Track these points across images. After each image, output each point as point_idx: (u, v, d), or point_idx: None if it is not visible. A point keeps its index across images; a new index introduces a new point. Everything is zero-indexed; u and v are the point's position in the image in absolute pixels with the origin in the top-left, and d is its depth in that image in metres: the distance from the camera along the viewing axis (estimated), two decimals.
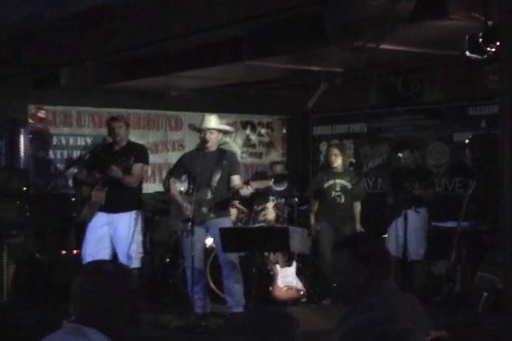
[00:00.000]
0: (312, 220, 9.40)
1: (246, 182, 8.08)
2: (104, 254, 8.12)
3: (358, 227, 9.21)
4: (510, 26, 4.33)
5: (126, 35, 7.92)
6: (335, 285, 3.63)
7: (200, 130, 8.08)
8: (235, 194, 7.89)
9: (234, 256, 8.01)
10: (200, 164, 7.88)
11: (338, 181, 9.29)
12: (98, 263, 3.18)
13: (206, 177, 7.98)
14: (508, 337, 3.66)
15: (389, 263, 3.65)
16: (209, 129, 8.00)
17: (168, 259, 9.80)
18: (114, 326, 2.82)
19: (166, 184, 8.38)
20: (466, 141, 9.39)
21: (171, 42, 8.17)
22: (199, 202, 7.88)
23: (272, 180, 8.21)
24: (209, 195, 7.95)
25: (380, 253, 3.65)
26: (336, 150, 9.38)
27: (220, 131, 8.16)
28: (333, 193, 9.29)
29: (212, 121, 8.06)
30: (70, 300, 2.87)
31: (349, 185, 9.25)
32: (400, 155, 9.25)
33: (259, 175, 11.47)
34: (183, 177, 8.41)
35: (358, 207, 9.33)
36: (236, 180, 8.06)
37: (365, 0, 5.32)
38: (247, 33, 7.85)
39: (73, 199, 8.72)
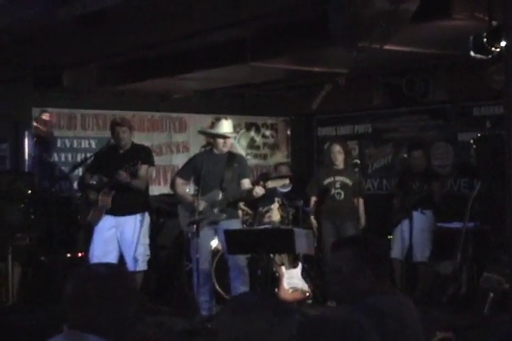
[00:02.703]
0: (312, 219, 9.41)
1: (256, 183, 8.08)
2: (112, 257, 8.13)
3: (363, 223, 9.21)
4: None
5: (129, 36, 7.92)
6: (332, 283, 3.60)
7: (216, 135, 8.07)
8: (248, 194, 7.89)
9: (242, 259, 8.00)
10: (210, 166, 7.89)
11: (337, 178, 9.29)
12: (89, 268, 3.12)
13: (217, 178, 7.98)
14: None
15: (388, 264, 3.67)
16: (224, 134, 8.01)
17: (173, 261, 9.79)
18: (111, 330, 2.76)
19: (173, 184, 8.34)
20: (471, 141, 9.38)
21: (175, 43, 8.17)
22: (211, 203, 7.88)
23: (288, 180, 8.18)
24: (220, 196, 7.95)
25: (382, 256, 3.65)
26: (338, 147, 9.37)
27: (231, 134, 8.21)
28: (333, 190, 9.30)
29: (225, 126, 8.06)
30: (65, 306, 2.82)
31: (349, 182, 9.23)
32: (413, 154, 9.27)
33: (263, 176, 11.45)
34: (191, 179, 8.39)
35: (361, 203, 9.33)
36: (246, 183, 8.07)
37: (369, 0, 5.31)
38: (251, 34, 7.85)
39: (78, 202, 8.72)
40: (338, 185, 9.29)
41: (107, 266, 3.08)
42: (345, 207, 9.20)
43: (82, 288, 2.78)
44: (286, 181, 8.10)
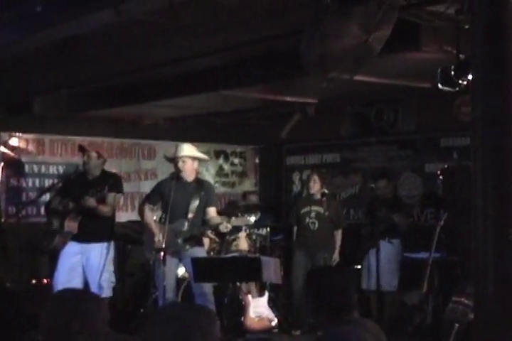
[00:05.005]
0: None
1: (222, 213, 8.07)
2: (76, 283, 8.06)
3: (335, 257, 9.17)
4: (482, 59, 4.38)
5: (100, 64, 7.93)
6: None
7: (173, 159, 8.07)
8: (215, 229, 7.88)
9: (208, 287, 7.97)
10: (177, 193, 7.84)
11: (313, 208, 9.26)
12: (66, 293, 3.12)
13: (183, 207, 7.94)
14: None
15: (350, 297, 3.70)
16: (181, 157, 7.97)
17: (139, 289, 9.73)
18: None
19: (141, 210, 8.29)
20: (438, 172, 9.46)
21: (147, 71, 8.19)
22: (175, 233, 7.85)
23: (253, 217, 8.20)
24: (186, 227, 7.93)
25: (345, 286, 3.71)
26: (315, 177, 9.33)
27: (194, 159, 8.13)
28: (307, 219, 9.27)
29: (185, 149, 8.04)
30: (39, 331, 2.82)
31: (325, 213, 9.17)
32: (378, 184, 9.28)
33: (231, 204, 11.45)
34: (156, 206, 8.36)
35: (338, 235, 9.31)
36: (212, 212, 8.04)
37: (340, 32, 5.37)
38: (223, 63, 7.89)
39: (44, 227, 8.66)
40: (313, 215, 9.25)
41: (81, 293, 3.09)
42: (318, 238, 9.13)
43: (56, 315, 2.78)
44: (251, 220, 8.14)
